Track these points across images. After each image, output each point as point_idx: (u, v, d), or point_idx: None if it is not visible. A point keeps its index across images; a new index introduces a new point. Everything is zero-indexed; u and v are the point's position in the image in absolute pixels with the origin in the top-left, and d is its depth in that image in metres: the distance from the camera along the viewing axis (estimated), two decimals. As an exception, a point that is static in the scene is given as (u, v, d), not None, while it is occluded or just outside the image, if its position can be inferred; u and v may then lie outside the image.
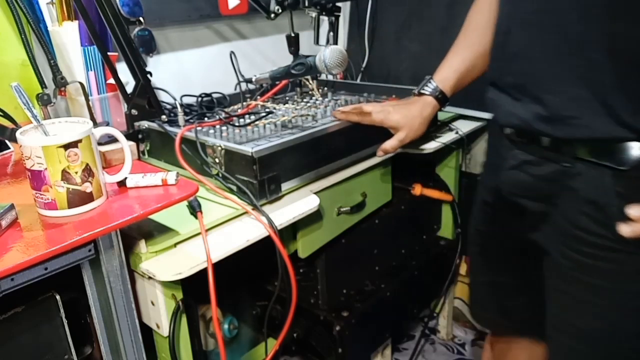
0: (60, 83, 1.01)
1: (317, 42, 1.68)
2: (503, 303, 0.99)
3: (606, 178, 0.68)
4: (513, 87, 0.77)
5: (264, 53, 1.58)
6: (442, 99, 1.03)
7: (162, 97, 1.21)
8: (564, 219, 0.74)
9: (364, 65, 1.63)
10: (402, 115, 1.02)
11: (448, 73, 1.02)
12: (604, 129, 0.66)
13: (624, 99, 0.64)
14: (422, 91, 1.04)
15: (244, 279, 1.17)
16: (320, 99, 1.30)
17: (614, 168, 0.67)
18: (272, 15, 1.26)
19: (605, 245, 0.70)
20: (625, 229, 0.66)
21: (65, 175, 0.66)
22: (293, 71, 0.99)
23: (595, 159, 0.69)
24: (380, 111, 1.03)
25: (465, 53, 0.99)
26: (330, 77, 1.66)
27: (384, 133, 1.16)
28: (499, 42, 0.80)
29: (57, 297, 0.71)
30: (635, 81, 0.64)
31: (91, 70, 1.15)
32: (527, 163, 0.77)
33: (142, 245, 0.78)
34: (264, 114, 1.13)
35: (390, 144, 1.04)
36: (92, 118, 1.02)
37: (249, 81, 1.30)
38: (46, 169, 0.65)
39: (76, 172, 0.67)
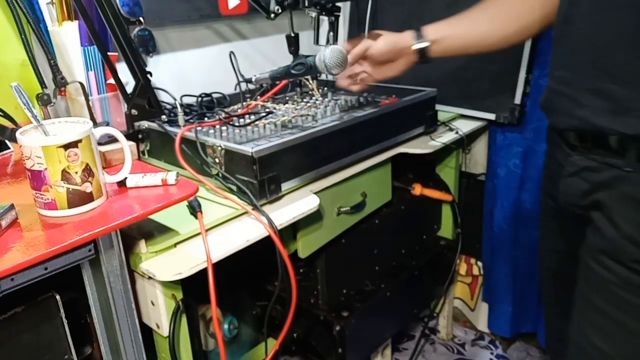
0: (60, 83, 1.01)
1: (317, 42, 1.68)
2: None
3: None
4: (572, 82, 0.69)
5: (264, 53, 1.58)
6: (423, 60, 0.97)
7: (162, 97, 1.21)
8: (614, 228, 0.67)
9: (364, 65, 1.62)
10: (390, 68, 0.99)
11: (448, 38, 0.93)
12: None
13: None
14: (413, 44, 0.95)
15: (244, 279, 1.17)
16: (320, 99, 1.30)
17: None
18: (272, 15, 1.26)
19: None
20: None
21: (65, 175, 0.66)
22: (293, 71, 0.99)
23: None
24: (375, 70, 1.00)
25: (482, 24, 0.90)
26: (330, 77, 1.66)
27: (385, 133, 1.16)
28: (558, 34, 0.73)
29: (57, 297, 0.71)
30: None
31: (91, 70, 1.15)
32: (586, 169, 0.70)
33: (142, 245, 0.78)
34: (264, 114, 1.13)
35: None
36: (92, 118, 1.02)
37: (248, 81, 1.30)
38: (46, 169, 0.65)
39: (76, 172, 0.67)
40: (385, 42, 0.97)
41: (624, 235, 0.66)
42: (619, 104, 0.63)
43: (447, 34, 0.94)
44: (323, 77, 1.61)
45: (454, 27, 0.93)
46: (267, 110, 1.18)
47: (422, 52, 0.95)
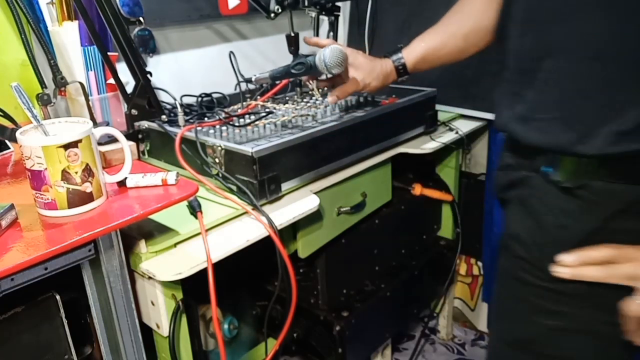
0: (60, 83, 1.01)
1: None
2: None
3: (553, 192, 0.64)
4: (502, 86, 0.74)
5: (264, 53, 1.58)
6: (402, 71, 1.05)
7: (162, 97, 1.21)
8: (508, 223, 0.73)
9: (364, 65, 1.62)
10: (364, 59, 1.02)
11: (415, 47, 1.03)
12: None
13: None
14: (387, 55, 1.05)
15: (244, 279, 1.17)
16: (320, 99, 1.30)
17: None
18: (272, 15, 1.26)
19: (540, 265, 0.66)
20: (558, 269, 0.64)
21: (65, 175, 0.66)
22: (293, 71, 0.99)
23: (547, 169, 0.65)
24: (352, 83, 1.01)
25: (439, 31, 1.01)
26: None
27: (385, 133, 1.16)
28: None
29: (57, 297, 0.71)
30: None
31: (91, 70, 1.15)
32: (508, 167, 0.75)
33: (142, 245, 0.78)
34: (264, 114, 1.13)
35: (344, 89, 1.00)
36: (92, 118, 1.02)
37: (248, 81, 1.30)
38: (46, 169, 0.65)
39: (76, 172, 0.67)
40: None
41: (510, 231, 0.71)
42: (527, 113, 0.66)
43: (412, 50, 1.04)
44: (323, 77, 1.61)
45: (419, 40, 1.04)
46: (267, 110, 1.18)
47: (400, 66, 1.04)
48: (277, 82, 1.20)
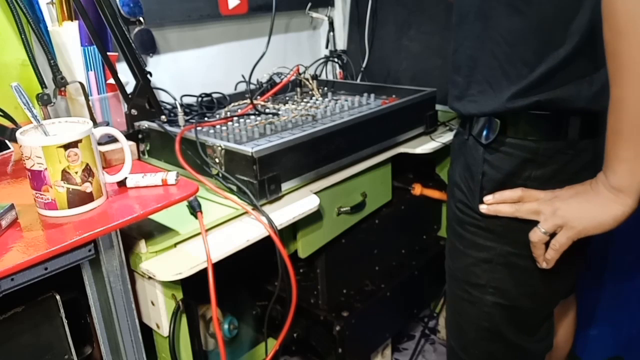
0: (60, 83, 1.01)
1: (327, 46, 1.69)
2: None
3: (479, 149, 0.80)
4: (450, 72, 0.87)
5: (265, 53, 1.58)
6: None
7: (162, 97, 1.21)
8: (454, 183, 0.88)
9: (364, 65, 1.63)
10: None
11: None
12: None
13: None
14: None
15: (244, 279, 1.17)
16: (320, 99, 1.30)
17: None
18: None
19: (469, 205, 0.83)
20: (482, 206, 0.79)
21: (65, 175, 0.66)
22: None
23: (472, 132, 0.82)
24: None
25: None
26: (330, 77, 1.66)
27: (385, 133, 1.16)
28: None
29: (57, 297, 0.71)
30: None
31: (91, 70, 1.15)
32: (457, 134, 0.89)
33: (142, 245, 0.78)
34: (269, 113, 1.12)
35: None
36: (92, 118, 1.02)
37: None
38: (46, 169, 0.65)
39: (76, 172, 0.67)
40: None
41: (454, 180, 0.87)
42: (460, 91, 0.82)
43: None
44: (323, 77, 1.61)
45: None
46: (272, 111, 1.18)
47: None
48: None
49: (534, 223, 0.75)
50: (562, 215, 0.71)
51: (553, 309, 0.90)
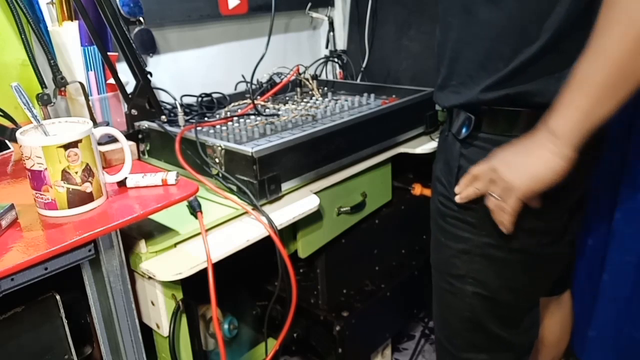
0: (60, 83, 1.01)
1: (327, 46, 1.69)
2: None
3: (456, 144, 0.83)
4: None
5: (265, 53, 1.58)
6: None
7: (162, 97, 1.21)
8: (435, 177, 0.90)
9: (364, 65, 1.62)
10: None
11: None
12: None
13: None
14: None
15: (244, 279, 1.17)
16: (320, 99, 1.30)
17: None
18: None
19: (450, 197, 0.84)
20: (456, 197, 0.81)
21: (65, 175, 0.66)
22: None
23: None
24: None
25: None
26: (330, 77, 1.66)
27: (385, 133, 1.16)
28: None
29: (57, 297, 0.71)
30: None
31: (91, 70, 1.15)
32: (442, 132, 0.91)
33: (142, 245, 0.78)
34: (270, 115, 1.12)
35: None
36: (92, 118, 1.02)
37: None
38: (46, 169, 0.65)
39: (76, 172, 0.67)
40: None
41: (436, 175, 0.89)
42: (442, 81, 0.84)
43: None
44: (323, 77, 1.61)
45: None
46: (272, 111, 1.18)
47: None
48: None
49: None
50: (504, 177, 0.71)
51: (536, 303, 0.92)
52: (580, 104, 0.64)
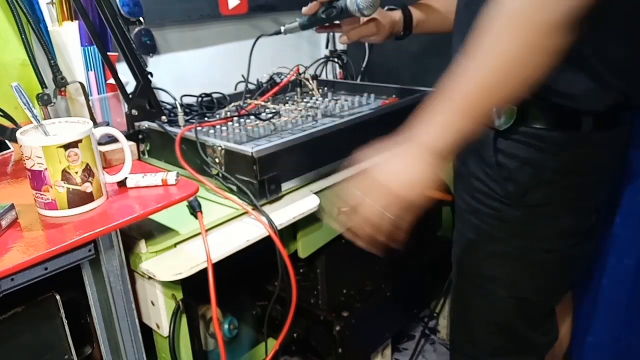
0: (60, 83, 1.01)
1: (327, 46, 1.68)
2: None
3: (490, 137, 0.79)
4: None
5: (265, 53, 1.58)
6: (408, 24, 1.09)
7: (162, 97, 1.21)
8: (468, 173, 0.85)
9: (364, 65, 1.62)
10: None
11: (422, 7, 1.09)
12: None
13: None
14: (395, 8, 1.09)
15: (244, 279, 1.17)
16: (320, 99, 1.30)
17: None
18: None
19: (489, 194, 0.81)
20: None
21: (66, 175, 0.66)
22: (322, 15, 0.97)
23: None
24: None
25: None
26: (330, 77, 1.66)
27: (385, 133, 1.16)
28: None
29: (57, 297, 0.71)
30: None
31: (91, 70, 1.15)
32: None
33: (142, 245, 0.78)
34: (270, 115, 1.12)
35: (359, 30, 1.04)
36: (92, 118, 1.02)
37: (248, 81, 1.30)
38: (46, 169, 0.65)
39: (76, 172, 0.67)
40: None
41: (469, 172, 0.84)
42: None
43: (418, 8, 1.10)
44: (323, 77, 1.61)
45: (423, 6, 1.10)
46: (272, 111, 1.18)
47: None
48: (308, 28, 1.13)
49: (551, 216, 0.77)
50: (377, 178, 0.71)
51: (558, 302, 0.92)
52: (442, 117, 0.66)
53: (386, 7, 1.08)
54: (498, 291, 0.84)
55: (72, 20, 1.12)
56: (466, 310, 0.92)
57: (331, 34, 1.68)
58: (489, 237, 0.83)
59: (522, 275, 0.83)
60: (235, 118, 1.12)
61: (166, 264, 0.77)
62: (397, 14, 1.08)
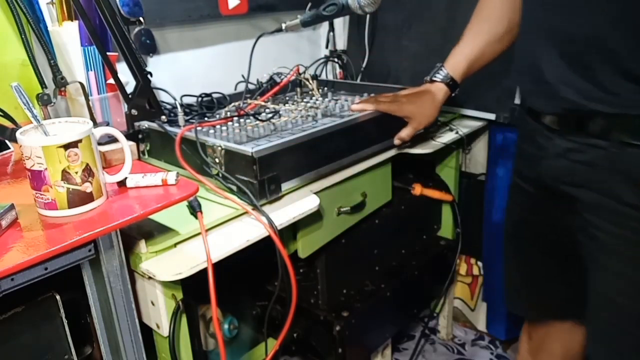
0: (60, 83, 1.01)
1: (327, 46, 1.68)
2: (542, 287, 1.01)
3: None
4: (558, 67, 0.78)
5: (265, 53, 1.58)
6: (453, 85, 1.11)
7: (162, 97, 1.21)
8: (610, 199, 0.77)
9: (364, 65, 1.62)
10: (415, 106, 1.11)
11: (459, 60, 1.09)
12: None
13: None
14: (434, 78, 1.11)
15: (244, 279, 1.17)
16: (320, 99, 1.30)
17: None
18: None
19: None
20: None
21: (65, 175, 0.66)
22: (324, 12, 0.98)
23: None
24: (394, 102, 1.11)
25: (476, 40, 1.06)
26: (331, 77, 1.66)
27: (385, 133, 1.16)
28: (533, 28, 0.84)
29: (57, 297, 0.71)
30: None
31: (91, 70, 1.15)
32: (570, 150, 0.81)
33: (142, 245, 0.78)
34: (270, 115, 1.12)
35: (406, 132, 1.12)
36: (92, 118, 1.02)
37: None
38: (46, 169, 0.65)
39: (76, 172, 0.67)
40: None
41: (627, 203, 0.75)
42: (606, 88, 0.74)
43: (456, 64, 1.11)
44: (323, 77, 1.61)
45: (459, 53, 1.10)
46: (272, 111, 1.18)
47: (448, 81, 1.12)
48: (309, 26, 1.16)
49: None
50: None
51: None
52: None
53: (429, 78, 1.12)
54: None
55: (72, 20, 1.12)
56: None
57: (331, 33, 1.68)
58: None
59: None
60: (235, 118, 1.12)
61: (166, 264, 0.77)
62: (440, 87, 1.11)
